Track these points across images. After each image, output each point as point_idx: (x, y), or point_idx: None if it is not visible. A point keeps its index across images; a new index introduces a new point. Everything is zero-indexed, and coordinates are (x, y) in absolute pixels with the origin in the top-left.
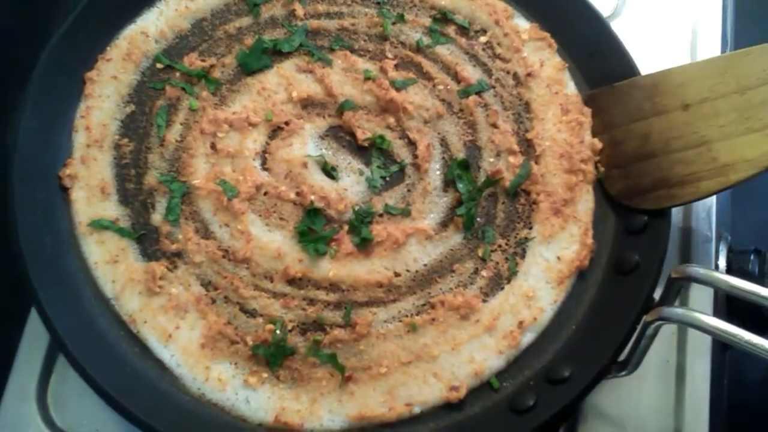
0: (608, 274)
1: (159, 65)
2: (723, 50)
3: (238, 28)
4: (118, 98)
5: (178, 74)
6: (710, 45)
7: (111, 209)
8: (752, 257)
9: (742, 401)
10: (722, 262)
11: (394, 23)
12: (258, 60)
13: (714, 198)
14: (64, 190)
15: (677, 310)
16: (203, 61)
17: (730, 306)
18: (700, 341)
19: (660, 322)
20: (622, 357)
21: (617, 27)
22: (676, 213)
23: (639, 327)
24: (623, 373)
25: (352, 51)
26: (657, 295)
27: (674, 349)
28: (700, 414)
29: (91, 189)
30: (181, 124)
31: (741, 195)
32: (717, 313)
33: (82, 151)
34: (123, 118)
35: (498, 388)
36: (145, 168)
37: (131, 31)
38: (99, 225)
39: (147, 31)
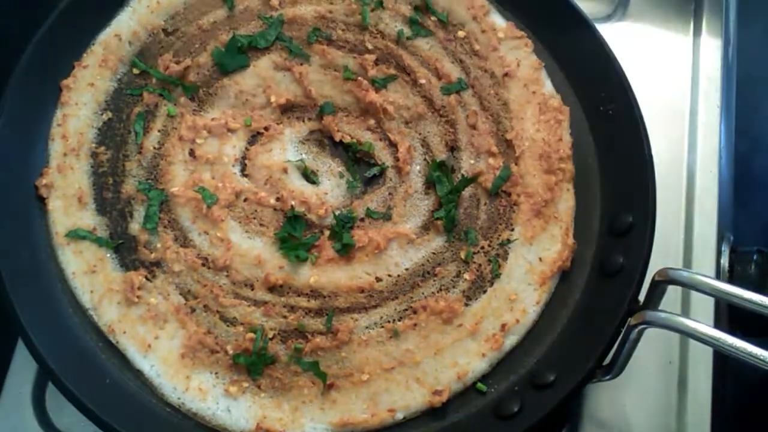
0: (593, 276)
1: (135, 70)
2: (725, 50)
3: (213, 22)
4: (95, 105)
5: (154, 80)
6: (711, 45)
7: (88, 219)
8: (755, 258)
9: (745, 403)
10: (724, 263)
11: (372, 10)
12: (234, 59)
13: (716, 198)
14: (41, 200)
15: (661, 314)
16: (178, 63)
17: (732, 314)
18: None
19: (643, 326)
20: (606, 361)
21: (616, 29)
22: (677, 213)
23: (623, 331)
24: (608, 377)
25: (330, 42)
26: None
27: (676, 351)
28: (702, 416)
29: (68, 198)
30: (159, 130)
31: (744, 195)
32: (717, 322)
33: (58, 160)
34: (100, 126)
35: (485, 391)
36: (123, 176)
37: (105, 35)
38: (76, 235)
39: (120, 33)
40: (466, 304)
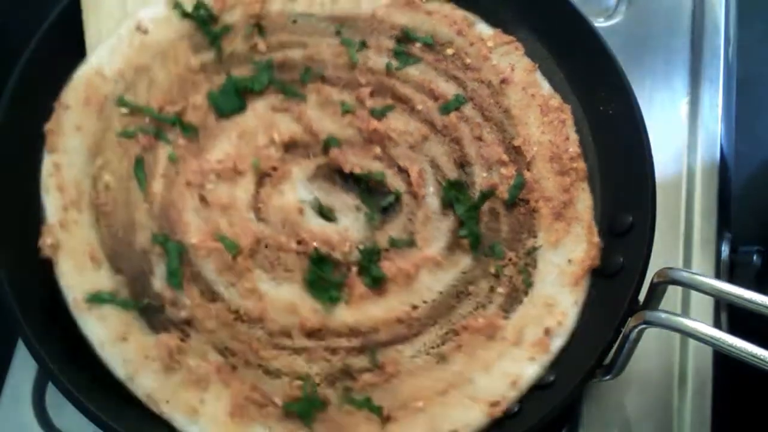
0: (592, 276)
1: (124, 110)
2: (725, 50)
3: (202, 63)
4: (86, 151)
5: (147, 119)
6: (711, 45)
7: (106, 279)
8: (755, 257)
9: (745, 403)
10: (724, 263)
11: (358, 50)
12: (231, 102)
13: (716, 198)
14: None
15: (661, 314)
16: (172, 103)
17: (732, 314)
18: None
19: (643, 326)
20: (606, 361)
21: (616, 29)
22: (677, 213)
23: (623, 331)
24: (608, 377)
25: (324, 80)
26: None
27: (676, 351)
28: (703, 416)
29: (78, 257)
30: (162, 176)
31: (744, 195)
32: (717, 322)
33: (59, 216)
34: (95, 173)
35: None
36: (133, 229)
37: (85, 72)
38: (98, 299)
39: (102, 71)
40: (506, 318)
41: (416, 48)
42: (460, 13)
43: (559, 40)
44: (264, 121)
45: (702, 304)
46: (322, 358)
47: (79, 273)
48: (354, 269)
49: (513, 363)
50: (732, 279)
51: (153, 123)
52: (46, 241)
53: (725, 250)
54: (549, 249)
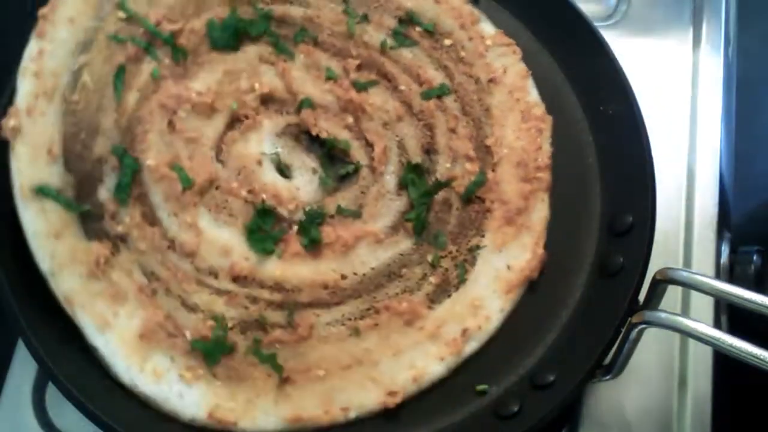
0: (593, 276)
1: (121, 14)
2: (725, 50)
3: None
4: (73, 46)
5: (141, 30)
6: (711, 45)
7: (56, 176)
8: (755, 257)
9: (745, 403)
10: (724, 263)
11: (358, 22)
12: (227, 38)
13: (716, 196)
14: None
15: (661, 314)
16: (171, 21)
17: (732, 314)
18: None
19: (643, 326)
20: (606, 361)
21: (616, 29)
22: (677, 213)
23: (623, 331)
24: (608, 377)
25: (316, 44)
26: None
27: (676, 351)
28: (703, 416)
29: (37, 148)
30: (139, 90)
31: (744, 195)
32: (717, 322)
33: (28, 101)
34: (75, 70)
35: (485, 391)
36: (96, 133)
37: None
38: (44, 192)
39: None
40: (430, 307)
41: (415, 32)
42: (467, 8)
43: (559, 40)
44: (251, 67)
45: (702, 304)
46: (241, 305)
47: (32, 162)
48: (295, 228)
49: (422, 357)
50: (732, 279)
51: (146, 36)
52: (9, 122)
53: (725, 250)
54: (492, 251)
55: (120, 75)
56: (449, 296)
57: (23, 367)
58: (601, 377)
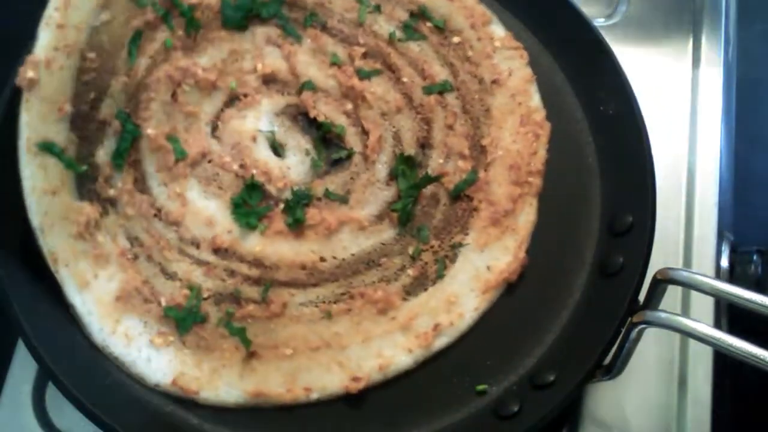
0: (593, 276)
1: None
2: (725, 50)
3: None
4: (95, 2)
5: None
6: (711, 45)
7: (61, 134)
8: (755, 258)
9: (745, 403)
10: (724, 263)
11: (370, 12)
12: (237, 18)
13: (716, 197)
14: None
15: (661, 314)
16: None
17: (732, 314)
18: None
19: (643, 326)
20: (606, 361)
21: (616, 29)
22: (677, 213)
23: (623, 331)
24: (608, 377)
25: (324, 29)
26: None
27: (676, 351)
28: (703, 416)
29: (48, 104)
30: (150, 57)
31: (744, 195)
32: (717, 322)
33: (49, 53)
34: (96, 26)
35: (485, 391)
36: (104, 94)
37: None
38: (48, 149)
39: None
40: (404, 299)
41: (426, 27)
42: (480, 9)
43: (559, 40)
44: (256, 48)
45: (702, 304)
46: (219, 277)
47: (42, 119)
48: (281, 206)
49: (390, 347)
50: (732, 279)
51: (166, 4)
52: (27, 72)
53: (725, 250)
54: (474, 250)
55: (136, 40)
56: (425, 290)
57: (23, 367)
58: (601, 377)
